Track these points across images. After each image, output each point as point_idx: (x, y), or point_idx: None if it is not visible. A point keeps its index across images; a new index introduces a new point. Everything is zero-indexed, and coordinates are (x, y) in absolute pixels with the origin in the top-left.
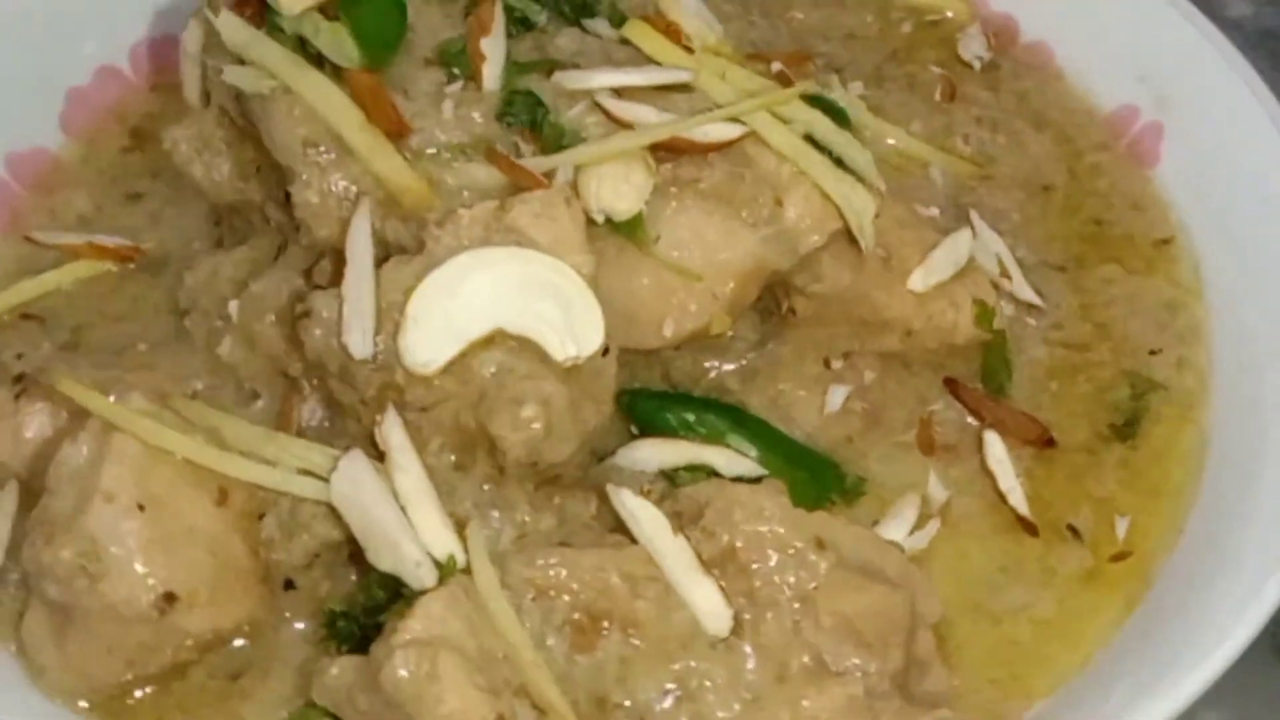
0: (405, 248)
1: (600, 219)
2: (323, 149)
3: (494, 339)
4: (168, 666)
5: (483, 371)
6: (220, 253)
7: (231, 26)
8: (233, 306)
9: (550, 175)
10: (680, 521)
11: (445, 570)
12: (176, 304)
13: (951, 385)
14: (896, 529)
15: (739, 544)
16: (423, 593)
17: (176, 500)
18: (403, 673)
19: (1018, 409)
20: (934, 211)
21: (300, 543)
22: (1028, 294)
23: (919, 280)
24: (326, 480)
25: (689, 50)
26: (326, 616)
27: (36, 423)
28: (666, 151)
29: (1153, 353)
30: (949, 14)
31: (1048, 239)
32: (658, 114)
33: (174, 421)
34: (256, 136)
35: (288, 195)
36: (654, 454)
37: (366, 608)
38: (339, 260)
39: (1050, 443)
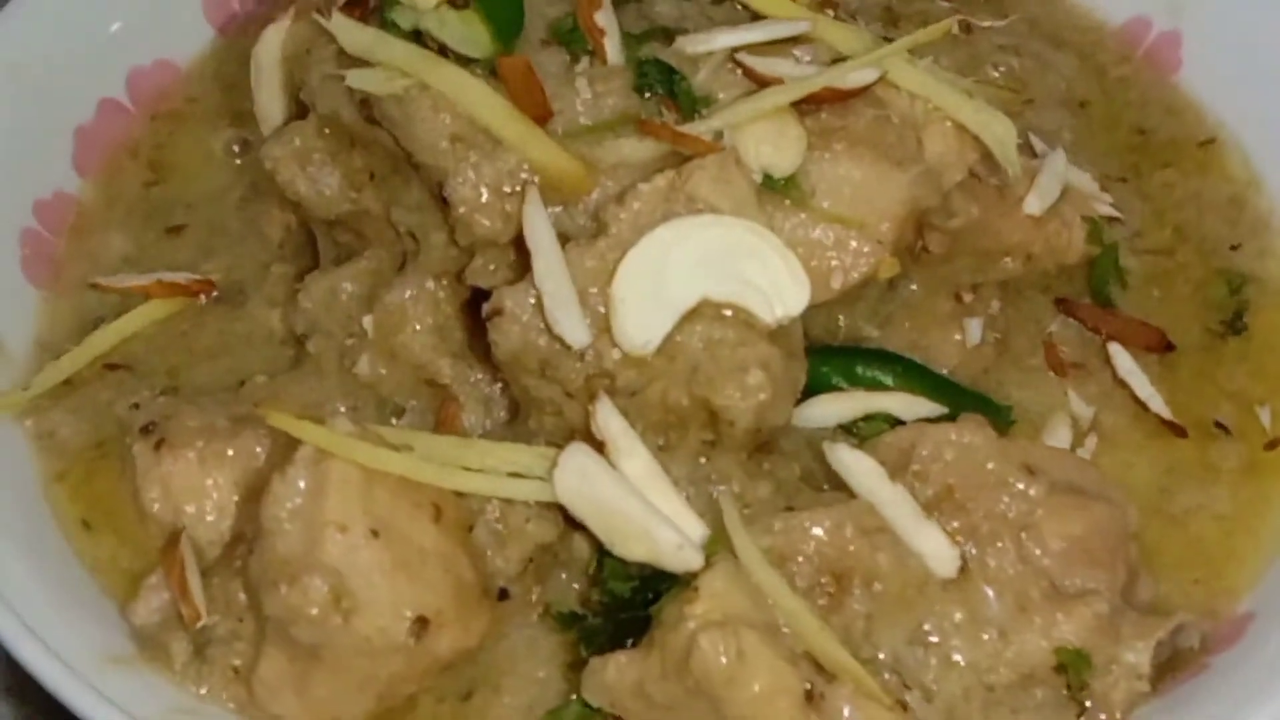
0: (570, 232)
1: (759, 178)
2: (474, 143)
3: (697, 310)
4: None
5: (691, 345)
6: (332, 269)
7: (348, 29)
8: (367, 322)
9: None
10: (890, 470)
11: (710, 548)
12: (275, 331)
13: (1066, 305)
14: None
15: (953, 482)
16: (692, 575)
17: (401, 522)
18: (715, 656)
19: (1132, 318)
20: None
21: (515, 549)
22: (1107, 207)
23: (1034, 204)
24: (540, 480)
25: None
26: (563, 619)
27: (183, 469)
28: (808, 103)
29: (1233, 248)
30: None
31: (1103, 153)
32: (794, 65)
33: (379, 442)
34: (367, 142)
35: (443, 197)
36: (831, 409)
37: (607, 604)
38: (520, 254)
39: (1169, 346)
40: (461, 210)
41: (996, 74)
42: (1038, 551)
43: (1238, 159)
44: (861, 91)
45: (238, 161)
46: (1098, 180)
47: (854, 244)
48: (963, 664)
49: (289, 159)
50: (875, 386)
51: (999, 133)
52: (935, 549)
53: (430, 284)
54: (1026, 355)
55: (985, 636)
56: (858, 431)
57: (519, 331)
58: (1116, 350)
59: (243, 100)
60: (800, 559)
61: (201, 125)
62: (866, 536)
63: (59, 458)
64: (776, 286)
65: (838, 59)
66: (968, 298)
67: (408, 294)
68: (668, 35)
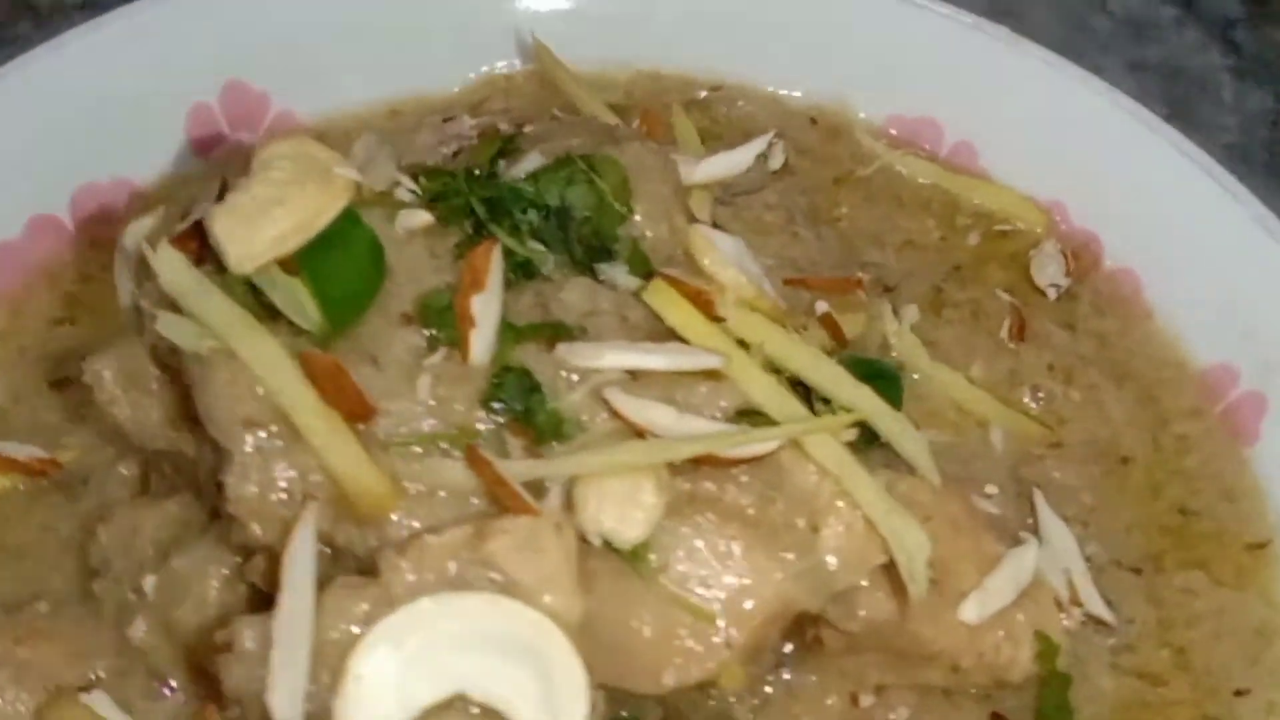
0: (359, 558)
1: (597, 542)
2: (267, 433)
3: (450, 703)
4: None
5: None
6: (143, 504)
7: (171, 266)
8: (149, 583)
9: (536, 486)
10: None
11: None
12: (87, 550)
13: None
14: None
15: None
16: None
17: None
18: None
19: None
20: (992, 492)
21: None
22: (1098, 608)
23: (972, 610)
24: None
25: (719, 320)
26: None
27: None
28: (684, 460)
29: (1239, 693)
30: (1021, 225)
31: (1124, 529)
32: (676, 414)
33: None
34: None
35: (219, 484)
36: None
37: None
38: (275, 574)
39: None
40: (234, 509)
41: (1033, 403)
42: None
43: None
44: (754, 460)
45: None
46: (1104, 565)
47: (698, 640)
48: None
49: (113, 378)
50: None
51: (909, 547)
52: None
53: (226, 558)
54: None
55: None
56: None
57: (243, 674)
58: None
59: None
60: None
61: None
62: None
63: None
64: (547, 700)
65: (747, 409)
66: (866, 701)
67: (194, 563)
68: (556, 335)
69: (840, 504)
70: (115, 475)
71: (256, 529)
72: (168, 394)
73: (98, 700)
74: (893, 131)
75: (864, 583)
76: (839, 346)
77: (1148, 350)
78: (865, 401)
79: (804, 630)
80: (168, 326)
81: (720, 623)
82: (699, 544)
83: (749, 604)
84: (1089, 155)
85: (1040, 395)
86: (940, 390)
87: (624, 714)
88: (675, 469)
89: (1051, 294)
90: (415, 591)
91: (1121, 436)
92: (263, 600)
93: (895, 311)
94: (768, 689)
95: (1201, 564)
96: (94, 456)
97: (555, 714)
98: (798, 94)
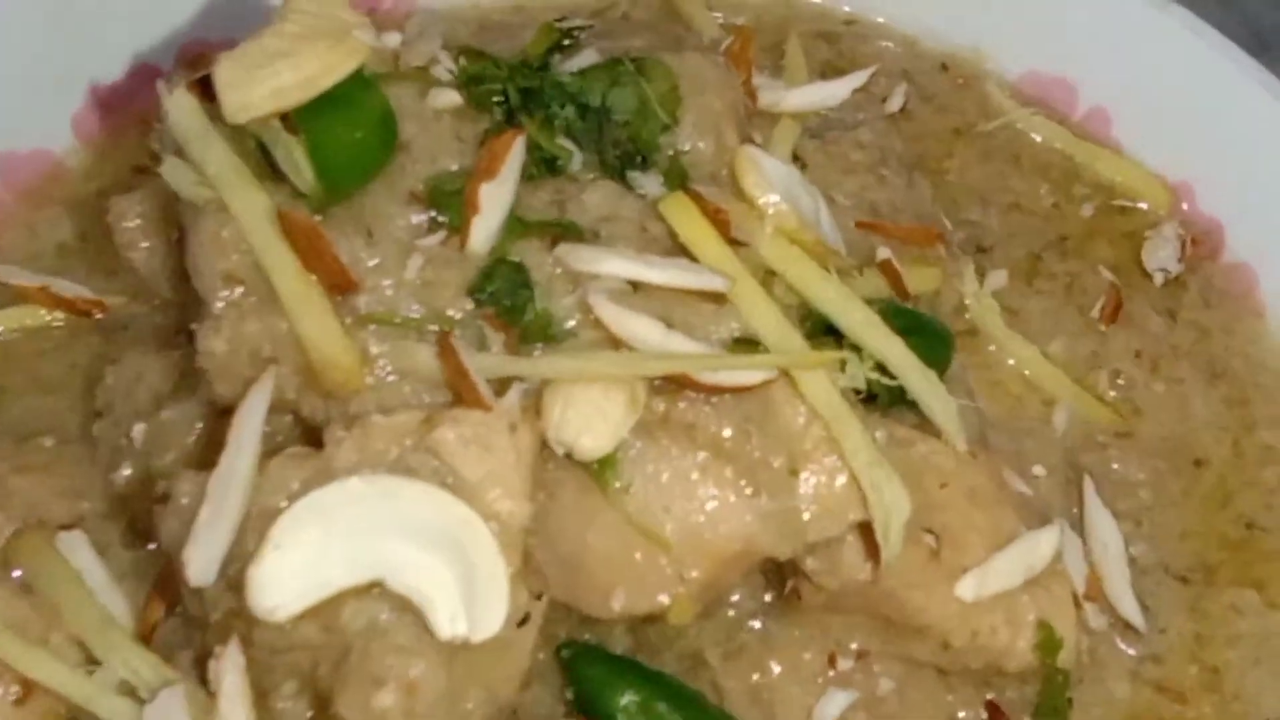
0: (319, 430)
1: (560, 451)
2: (245, 290)
3: (378, 589)
4: None
5: (353, 624)
6: (152, 352)
7: (183, 110)
8: (138, 430)
9: (506, 384)
10: None
11: None
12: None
13: (995, 715)
14: None
15: None
16: None
17: None
18: None
19: None
20: (1039, 473)
21: None
22: (1129, 611)
23: (969, 587)
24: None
25: (739, 245)
26: None
27: None
28: (664, 380)
29: None
30: (1142, 203)
31: (1179, 534)
32: (663, 331)
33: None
34: None
35: (190, 333)
36: None
37: None
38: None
39: None
40: (201, 362)
41: (1110, 388)
42: None
43: None
44: (738, 390)
45: None
46: (1149, 568)
47: (650, 569)
48: None
49: (131, 219)
50: None
51: (887, 503)
52: None
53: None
54: None
55: None
56: None
57: (176, 528)
58: None
59: None
60: None
61: None
62: None
63: None
64: (466, 600)
65: (746, 339)
66: (845, 664)
67: (180, 416)
68: (564, 236)
69: (825, 450)
70: (151, 324)
71: (220, 386)
72: (179, 247)
73: (74, 538)
74: (1025, 89)
75: (849, 539)
76: (899, 297)
77: (1249, 351)
78: (893, 352)
79: (784, 580)
80: (171, 171)
81: (677, 555)
82: (667, 470)
83: (710, 540)
84: (1229, 139)
85: (1120, 381)
86: (1007, 357)
87: (589, 638)
88: (655, 389)
89: (1158, 279)
90: (355, 469)
91: (1199, 436)
92: None
93: (981, 274)
94: (743, 635)
95: (1257, 583)
96: (139, 305)
97: (472, 617)
98: (933, 38)
